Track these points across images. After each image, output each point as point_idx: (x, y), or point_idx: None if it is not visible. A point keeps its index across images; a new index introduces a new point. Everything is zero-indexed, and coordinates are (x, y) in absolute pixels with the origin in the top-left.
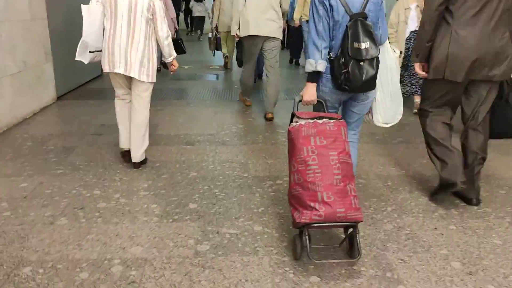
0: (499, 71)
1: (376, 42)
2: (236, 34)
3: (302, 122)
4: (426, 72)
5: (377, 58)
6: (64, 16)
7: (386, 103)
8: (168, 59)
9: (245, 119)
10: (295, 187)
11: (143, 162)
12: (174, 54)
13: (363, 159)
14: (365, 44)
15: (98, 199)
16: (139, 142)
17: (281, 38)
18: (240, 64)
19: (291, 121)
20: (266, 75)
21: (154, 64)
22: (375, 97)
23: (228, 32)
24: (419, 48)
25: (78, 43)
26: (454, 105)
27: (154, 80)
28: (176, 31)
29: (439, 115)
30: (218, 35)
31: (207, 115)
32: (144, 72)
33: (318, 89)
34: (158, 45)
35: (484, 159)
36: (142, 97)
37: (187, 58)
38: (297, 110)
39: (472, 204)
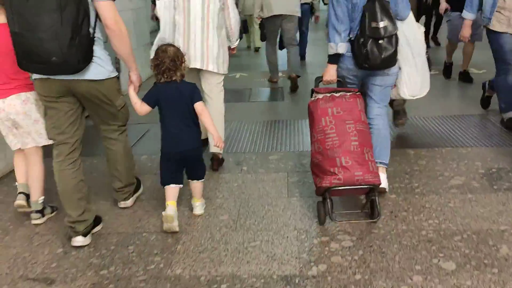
0: None
1: (394, 19)
2: (259, 16)
3: (320, 96)
4: None
5: (396, 35)
6: None
7: (413, 75)
8: (234, 44)
9: None
10: (316, 156)
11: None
12: (238, 39)
13: None
14: (383, 23)
15: None
16: (222, 130)
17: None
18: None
19: (311, 96)
20: (287, 49)
21: (227, 54)
22: (400, 70)
23: (251, 15)
24: None
25: None
26: None
27: (227, 72)
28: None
29: None
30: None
31: None
32: (220, 64)
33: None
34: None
35: None
36: (218, 87)
37: (234, 60)
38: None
39: None
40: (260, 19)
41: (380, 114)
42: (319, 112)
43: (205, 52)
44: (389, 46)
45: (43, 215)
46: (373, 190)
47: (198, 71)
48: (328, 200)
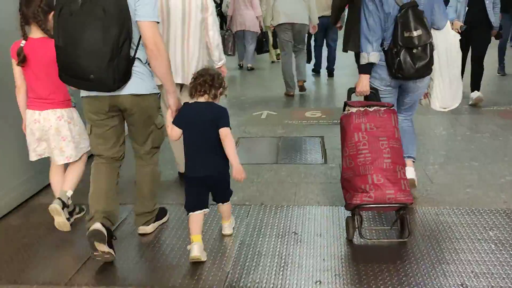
0: None
1: (429, 28)
2: (271, 24)
3: (353, 110)
4: None
5: (431, 44)
6: None
7: (444, 88)
8: (218, 64)
9: None
10: (347, 171)
11: None
12: (224, 58)
13: None
14: (417, 32)
15: None
16: None
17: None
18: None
19: (344, 110)
20: (295, 56)
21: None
22: (432, 81)
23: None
24: None
25: None
26: None
27: None
28: (262, 31)
29: None
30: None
31: None
32: None
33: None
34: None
35: None
36: None
37: (250, 87)
38: (350, 100)
39: None
40: (273, 28)
41: (407, 118)
42: (352, 127)
43: (186, 66)
44: (423, 55)
45: (64, 205)
46: (405, 208)
47: (180, 88)
48: (358, 216)
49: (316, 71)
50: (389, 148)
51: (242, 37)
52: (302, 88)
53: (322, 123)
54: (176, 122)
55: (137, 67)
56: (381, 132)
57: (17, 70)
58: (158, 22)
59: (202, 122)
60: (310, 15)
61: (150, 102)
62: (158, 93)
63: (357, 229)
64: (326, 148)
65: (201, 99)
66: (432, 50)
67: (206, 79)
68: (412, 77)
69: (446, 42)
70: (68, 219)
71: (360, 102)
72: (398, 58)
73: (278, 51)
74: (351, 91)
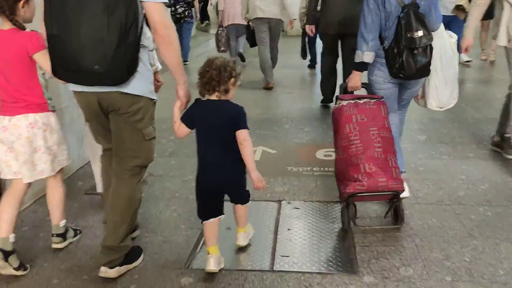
0: None
1: (429, 29)
2: (246, 18)
3: (344, 103)
4: None
5: (431, 45)
6: None
7: (441, 88)
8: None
9: None
10: (340, 162)
11: None
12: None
13: None
14: (418, 33)
15: None
16: None
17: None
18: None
19: (335, 103)
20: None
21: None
22: (428, 82)
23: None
24: None
25: None
26: None
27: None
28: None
29: None
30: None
31: None
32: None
33: (371, 73)
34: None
35: None
36: None
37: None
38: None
39: None
40: (247, 21)
41: (397, 124)
42: (344, 119)
43: None
44: (424, 56)
45: (64, 239)
46: (397, 196)
47: None
48: (352, 205)
49: (312, 66)
50: (379, 137)
51: (233, 32)
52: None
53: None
54: (185, 119)
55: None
56: (372, 123)
57: None
58: (166, 3)
59: (217, 123)
60: (285, 10)
61: (143, 106)
62: (155, 100)
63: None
64: (356, 239)
65: (213, 97)
66: (431, 51)
67: (211, 75)
68: (413, 77)
69: (441, 43)
70: (20, 267)
71: (351, 95)
72: (401, 58)
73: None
74: (343, 86)
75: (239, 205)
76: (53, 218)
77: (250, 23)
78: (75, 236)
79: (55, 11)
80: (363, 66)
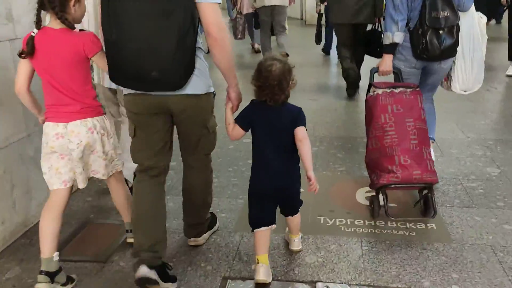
0: None
1: (455, 10)
2: (253, 6)
3: (379, 91)
4: None
5: (457, 25)
6: None
7: (466, 70)
8: None
9: None
10: (373, 152)
11: None
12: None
13: None
14: (444, 13)
15: None
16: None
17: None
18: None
19: (368, 91)
20: (276, 36)
21: None
22: (454, 64)
23: None
24: None
25: None
26: None
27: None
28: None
29: None
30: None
31: None
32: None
33: (393, 57)
34: None
35: None
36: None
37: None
38: (373, 81)
39: None
40: (255, 9)
41: (429, 99)
42: (379, 109)
43: None
44: (449, 37)
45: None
46: (430, 188)
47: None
48: (384, 195)
49: (326, 51)
50: (415, 129)
51: (251, 20)
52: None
53: (405, 235)
54: (240, 121)
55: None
56: (408, 113)
57: (22, 67)
58: (219, 4)
59: (278, 126)
60: None
61: (206, 103)
62: (214, 92)
63: (382, 208)
64: None
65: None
66: (458, 31)
67: (272, 85)
68: (437, 58)
69: (470, 24)
70: (67, 281)
71: (385, 83)
72: (425, 39)
73: None
74: (374, 71)
75: (293, 216)
76: (124, 216)
77: (257, 11)
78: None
79: (114, 14)
80: (393, 48)
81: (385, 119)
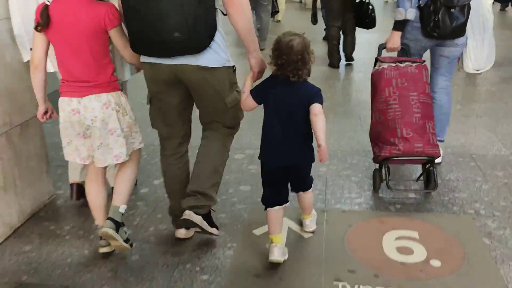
0: None
1: None
2: None
3: (385, 65)
4: None
5: (469, 5)
6: None
7: (478, 49)
8: None
9: None
10: (376, 125)
11: None
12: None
13: None
14: None
15: None
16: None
17: None
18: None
19: (374, 66)
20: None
21: None
22: (466, 43)
23: None
24: None
25: None
26: None
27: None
28: None
29: None
30: None
31: None
32: None
33: (402, 36)
34: None
35: None
36: None
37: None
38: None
39: None
40: None
41: (444, 88)
42: (383, 83)
43: None
44: (460, 15)
45: (116, 231)
46: (432, 161)
47: None
48: (385, 168)
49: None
50: (419, 103)
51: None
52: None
53: None
54: (255, 93)
55: None
56: (412, 87)
57: (38, 40)
58: None
59: (293, 102)
60: None
61: (222, 77)
62: (233, 67)
63: (384, 181)
64: None
65: (293, 79)
66: (469, 11)
67: (293, 61)
68: (447, 36)
69: (479, 3)
70: (127, 240)
71: (391, 57)
72: (437, 16)
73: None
74: (382, 47)
75: (304, 193)
76: (115, 198)
77: None
78: (126, 241)
79: None
80: (403, 25)
81: (389, 93)
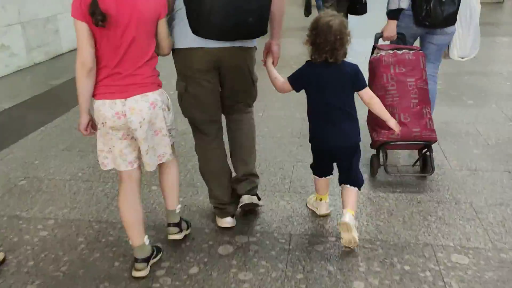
0: None
1: None
2: None
3: (383, 53)
4: None
5: None
6: None
7: (464, 37)
8: None
9: None
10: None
11: None
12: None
13: None
14: None
15: None
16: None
17: None
18: None
19: (372, 53)
20: None
21: None
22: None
23: None
24: None
25: None
26: None
27: None
28: None
29: None
30: None
31: None
32: None
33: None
34: None
35: None
36: None
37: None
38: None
39: None
40: None
41: (433, 75)
42: (381, 69)
43: None
44: (451, 4)
45: (181, 230)
46: (429, 146)
47: None
48: (383, 153)
49: None
50: (416, 89)
51: None
52: None
53: None
54: (294, 82)
55: None
56: (410, 73)
57: (83, 32)
58: None
59: (336, 85)
60: None
61: (253, 56)
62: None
63: (382, 166)
64: None
65: (331, 60)
66: (459, 0)
67: (331, 41)
68: (438, 25)
69: None
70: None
71: (389, 45)
72: (429, 6)
73: None
74: (378, 36)
75: (350, 188)
76: (168, 202)
77: None
78: (188, 228)
79: None
80: (398, 14)
81: (387, 79)
